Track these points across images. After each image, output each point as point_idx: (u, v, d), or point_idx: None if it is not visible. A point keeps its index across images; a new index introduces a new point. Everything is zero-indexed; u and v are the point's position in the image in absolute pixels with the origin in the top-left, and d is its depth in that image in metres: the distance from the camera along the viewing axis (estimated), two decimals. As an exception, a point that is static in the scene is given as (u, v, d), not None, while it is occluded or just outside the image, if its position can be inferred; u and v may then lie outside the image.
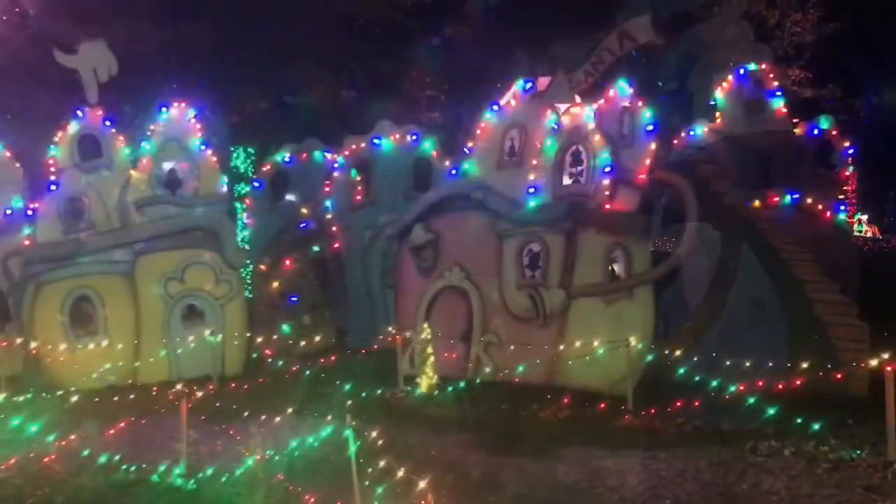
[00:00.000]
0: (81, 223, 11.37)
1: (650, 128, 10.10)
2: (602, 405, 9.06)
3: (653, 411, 8.76)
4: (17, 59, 14.14)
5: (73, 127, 11.67)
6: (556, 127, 10.51)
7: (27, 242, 11.27)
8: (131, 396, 10.11)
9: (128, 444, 7.83)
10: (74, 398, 9.85)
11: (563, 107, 10.77)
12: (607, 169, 9.97)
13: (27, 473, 7.07)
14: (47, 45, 13.60)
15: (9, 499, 6.45)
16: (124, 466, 7.12)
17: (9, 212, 11.79)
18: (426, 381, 10.02)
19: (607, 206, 9.95)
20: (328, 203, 14.10)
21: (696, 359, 9.78)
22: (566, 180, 10.31)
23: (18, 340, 10.62)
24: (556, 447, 7.73)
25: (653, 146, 10.12)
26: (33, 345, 10.76)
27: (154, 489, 6.68)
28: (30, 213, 11.59)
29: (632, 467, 7.11)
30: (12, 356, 10.31)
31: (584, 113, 10.39)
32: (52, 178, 11.53)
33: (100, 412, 9.32)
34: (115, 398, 10.07)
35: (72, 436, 7.85)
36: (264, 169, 14.69)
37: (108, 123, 11.79)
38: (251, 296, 13.20)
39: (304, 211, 14.05)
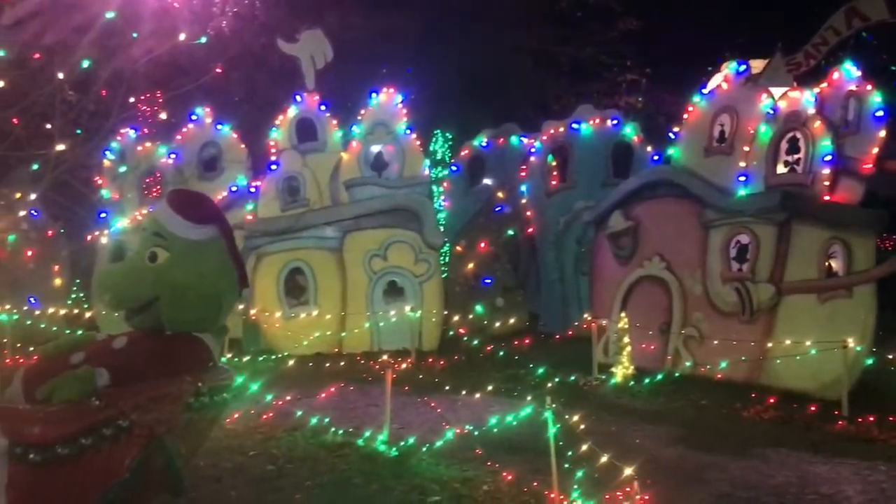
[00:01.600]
0: (297, 201, 12.22)
1: (879, 113, 9.28)
2: (812, 408, 8.49)
3: (871, 419, 8.08)
4: (245, 48, 15.28)
5: (291, 111, 12.54)
6: (771, 112, 9.91)
7: (249, 217, 12.26)
8: (341, 364, 10.80)
9: (336, 408, 8.34)
10: (289, 363, 10.67)
11: (779, 91, 10.15)
12: (828, 157, 9.28)
13: (248, 428, 7.69)
14: (270, 35, 14.63)
15: (233, 449, 7.05)
16: (332, 429, 7.56)
17: (234, 189, 12.85)
18: (622, 371, 9.86)
19: (826, 198, 9.28)
20: (524, 187, 14.20)
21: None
22: (781, 168, 9.70)
23: (241, 306, 11.58)
24: (761, 448, 7.34)
25: (881, 133, 9.29)
26: (252, 311, 11.75)
27: (359, 453, 7.01)
28: (252, 190, 12.61)
29: (847, 476, 6.61)
30: (234, 320, 11.25)
31: (804, 97, 9.72)
32: (273, 158, 12.47)
33: (311, 377, 10.03)
34: (326, 364, 10.78)
35: (287, 396, 8.48)
36: (462, 153, 15.02)
37: (323, 108, 12.56)
38: (447, 276, 13.59)
39: (500, 195, 14.23)
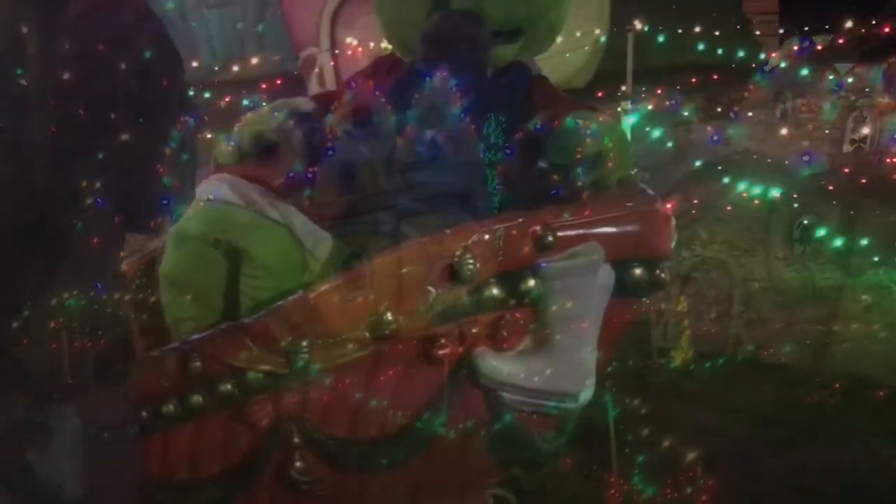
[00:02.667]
0: (353, 186, 12.28)
1: (955, 88, 8.95)
2: (881, 393, 8.25)
3: (948, 407, 7.84)
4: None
5: (346, 95, 12.57)
6: (836, 89, 9.64)
7: (306, 203, 12.37)
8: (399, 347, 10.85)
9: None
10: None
11: (845, 66, 9.84)
12: (898, 135, 9.01)
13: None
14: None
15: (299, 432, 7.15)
16: (391, 412, 7.61)
17: (291, 174, 12.98)
18: (681, 355, 9.70)
19: (896, 177, 9.01)
20: (579, 170, 14.04)
21: None
22: (847, 147, 9.45)
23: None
24: (827, 435, 7.19)
25: (958, 110, 8.96)
26: (311, 294, 11.88)
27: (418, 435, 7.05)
28: (308, 175, 12.72)
29: (924, 465, 6.44)
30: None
31: (872, 73, 9.43)
32: (329, 143, 12.54)
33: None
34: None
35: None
36: (516, 136, 14.92)
37: (377, 92, 12.57)
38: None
39: (555, 178, 14.09)
